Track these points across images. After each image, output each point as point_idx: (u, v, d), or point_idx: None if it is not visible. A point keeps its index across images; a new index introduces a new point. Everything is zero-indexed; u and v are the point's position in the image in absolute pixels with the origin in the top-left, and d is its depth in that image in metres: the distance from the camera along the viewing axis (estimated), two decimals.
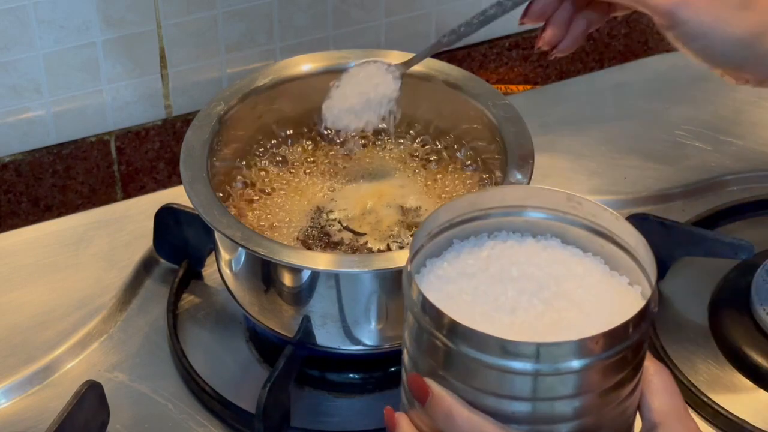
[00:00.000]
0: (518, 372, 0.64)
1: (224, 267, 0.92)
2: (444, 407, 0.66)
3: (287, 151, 0.97)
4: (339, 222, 0.90)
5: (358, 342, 0.88)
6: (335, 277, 0.85)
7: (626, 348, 0.65)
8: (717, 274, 1.01)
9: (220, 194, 0.90)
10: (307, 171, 0.95)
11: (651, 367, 0.70)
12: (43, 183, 1.16)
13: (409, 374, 0.69)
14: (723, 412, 0.90)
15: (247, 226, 0.86)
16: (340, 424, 0.91)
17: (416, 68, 0.97)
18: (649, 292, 0.68)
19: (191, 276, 1.02)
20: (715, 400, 0.91)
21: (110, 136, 1.16)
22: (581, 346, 0.63)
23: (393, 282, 0.86)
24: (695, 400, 0.91)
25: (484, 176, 0.95)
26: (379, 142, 0.98)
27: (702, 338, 0.97)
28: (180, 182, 0.89)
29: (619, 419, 0.68)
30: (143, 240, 1.03)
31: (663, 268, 1.00)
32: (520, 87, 1.29)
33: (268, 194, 0.94)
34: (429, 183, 0.95)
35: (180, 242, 1.00)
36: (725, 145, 1.14)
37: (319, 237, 0.89)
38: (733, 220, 1.06)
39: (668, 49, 1.37)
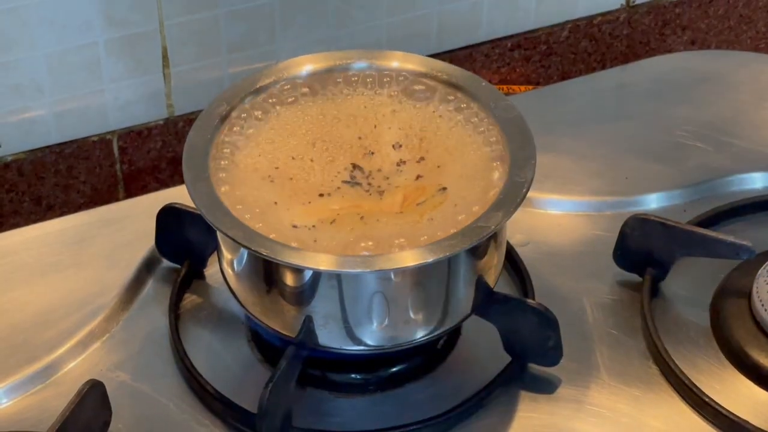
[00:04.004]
0: None
1: (226, 267, 0.92)
2: None
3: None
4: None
5: (360, 342, 0.88)
6: (337, 277, 0.85)
7: None
8: (718, 274, 1.01)
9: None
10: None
11: None
12: (46, 182, 1.16)
13: None
14: (724, 412, 0.90)
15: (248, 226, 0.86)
16: (342, 424, 0.91)
17: (417, 68, 0.97)
18: None
19: (193, 276, 1.02)
20: (717, 401, 0.91)
21: (112, 135, 1.17)
22: None
23: (395, 282, 0.86)
24: (696, 401, 0.91)
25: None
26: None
27: (703, 339, 0.97)
28: (182, 182, 0.89)
29: None
30: (145, 239, 1.03)
31: (664, 269, 1.00)
32: (522, 87, 1.30)
33: None
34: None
35: (182, 242, 1.01)
36: (726, 145, 1.14)
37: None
38: (734, 221, 1.06)
39: (670, 50, 1.38)
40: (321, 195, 0.89)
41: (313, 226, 0.86)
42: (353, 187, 0.90)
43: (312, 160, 0.91)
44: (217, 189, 0.88)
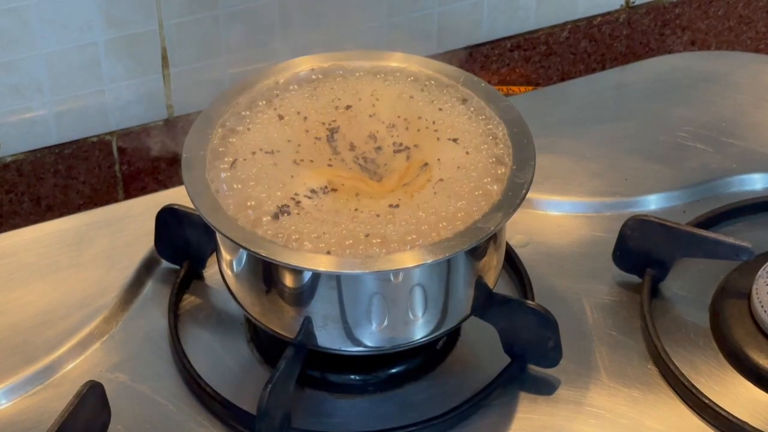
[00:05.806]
0: None
1: (225, 268, 0.92)
2: None
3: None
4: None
5: (359, 343, 0.88)
6: (336, 278, 0.85)
7: None
8: (718, 275, 1.01)
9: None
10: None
11: None
12: (45, 183, 1.16)
13: None
14: (723, 413, 0.90)
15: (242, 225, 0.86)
16: (341, 425, 0.91)
17: (417, 68, 0.97)
18: None
19: (192, 277, 1.02)
20: (716, 402, 0.91)
21: (112, 136, 1.17)
22: None
23: (395, 283, 0.86)
24: (696, 402, 0.91)
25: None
26: None
27: (703, 340, 0.97)
28: (182, 183, 0.89)
29: None
30: (145, 240, 1.03)
31: (664, 270, 1.00)
32: (522, 88, 1.29)
33: None
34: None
35: (181, 243, 1.01)
36: (726, 146, 1.14)
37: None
38: (734, 222, 1.06)
39: (670, 50, 1.38)
40: (330, 165, 0.90)
41: (325, 186, 0.87)
42: (362, 171, 0.90)
43: (315, 143, 0.92)
44: (224, 162, 0.89)
